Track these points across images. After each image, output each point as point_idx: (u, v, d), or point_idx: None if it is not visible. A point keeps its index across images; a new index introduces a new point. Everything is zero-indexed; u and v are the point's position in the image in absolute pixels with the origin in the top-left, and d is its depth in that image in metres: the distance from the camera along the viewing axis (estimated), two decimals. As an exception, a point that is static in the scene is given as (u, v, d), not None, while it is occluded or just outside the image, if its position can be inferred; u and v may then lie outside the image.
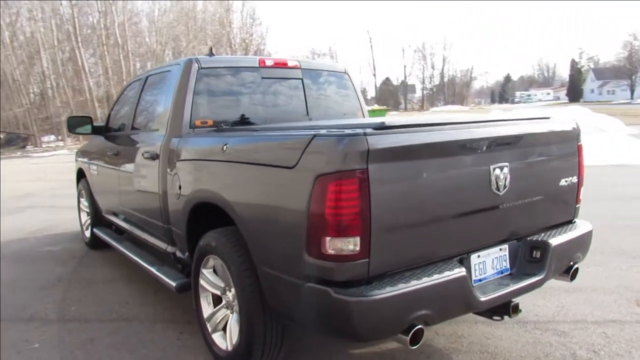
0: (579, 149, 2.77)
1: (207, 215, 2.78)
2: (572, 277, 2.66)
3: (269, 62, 3.73)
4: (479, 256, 2.34)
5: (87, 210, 5.35)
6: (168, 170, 3.18)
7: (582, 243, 2.73)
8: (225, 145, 2.59)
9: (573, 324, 3.09)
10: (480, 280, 2.33)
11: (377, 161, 1.89)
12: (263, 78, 3.66)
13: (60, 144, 25.81)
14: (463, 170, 2.22)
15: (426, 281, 2.01)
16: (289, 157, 2.07)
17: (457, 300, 2.15)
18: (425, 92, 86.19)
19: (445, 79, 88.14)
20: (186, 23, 31.83)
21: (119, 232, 4.75)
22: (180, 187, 3.01)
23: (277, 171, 2.16)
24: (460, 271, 2.12)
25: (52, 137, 27.92)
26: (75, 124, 4.73)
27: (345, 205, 1.86)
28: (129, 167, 3.90)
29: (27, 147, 26.02)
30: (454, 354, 2.80)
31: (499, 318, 2.45)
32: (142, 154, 3.59)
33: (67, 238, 5.99)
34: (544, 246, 2.48)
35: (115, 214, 4.59)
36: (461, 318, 3.20)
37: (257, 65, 3.66)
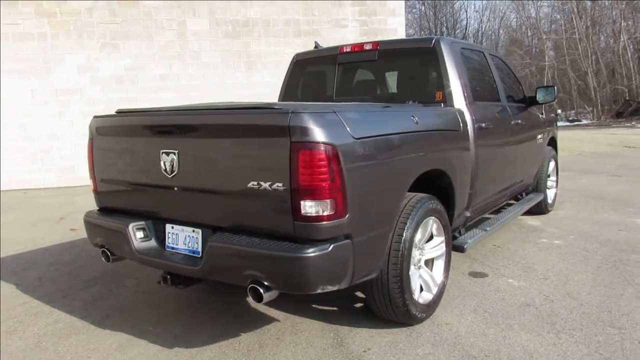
0: (297, 151, 2.12)
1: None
2: (254, 298, 2.27)
3: (347, 49, 4.00)
4: (172, 227, 2.75)
5: None
6: None
7: (258, 262, 2.24)
8: None
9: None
10: (173, 248, 2.73)
11: (98, 134, 3.07)
12: (338, 64, 4.07)
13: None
14: (142, 150, 2.80)
15: (100, 220, 3.02)
16: None
17: (120, 244, 2.85)
18: None
19: None
20: None
21: None
22: None
23: None
24: (121, 225, 2.80)
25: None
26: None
27: (89, 161, 3.16)
28: None
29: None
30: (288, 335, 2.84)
31: (164, 285, 2.80)
32: None
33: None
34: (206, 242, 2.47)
35: None
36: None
37: (337, 53, 4.05)
